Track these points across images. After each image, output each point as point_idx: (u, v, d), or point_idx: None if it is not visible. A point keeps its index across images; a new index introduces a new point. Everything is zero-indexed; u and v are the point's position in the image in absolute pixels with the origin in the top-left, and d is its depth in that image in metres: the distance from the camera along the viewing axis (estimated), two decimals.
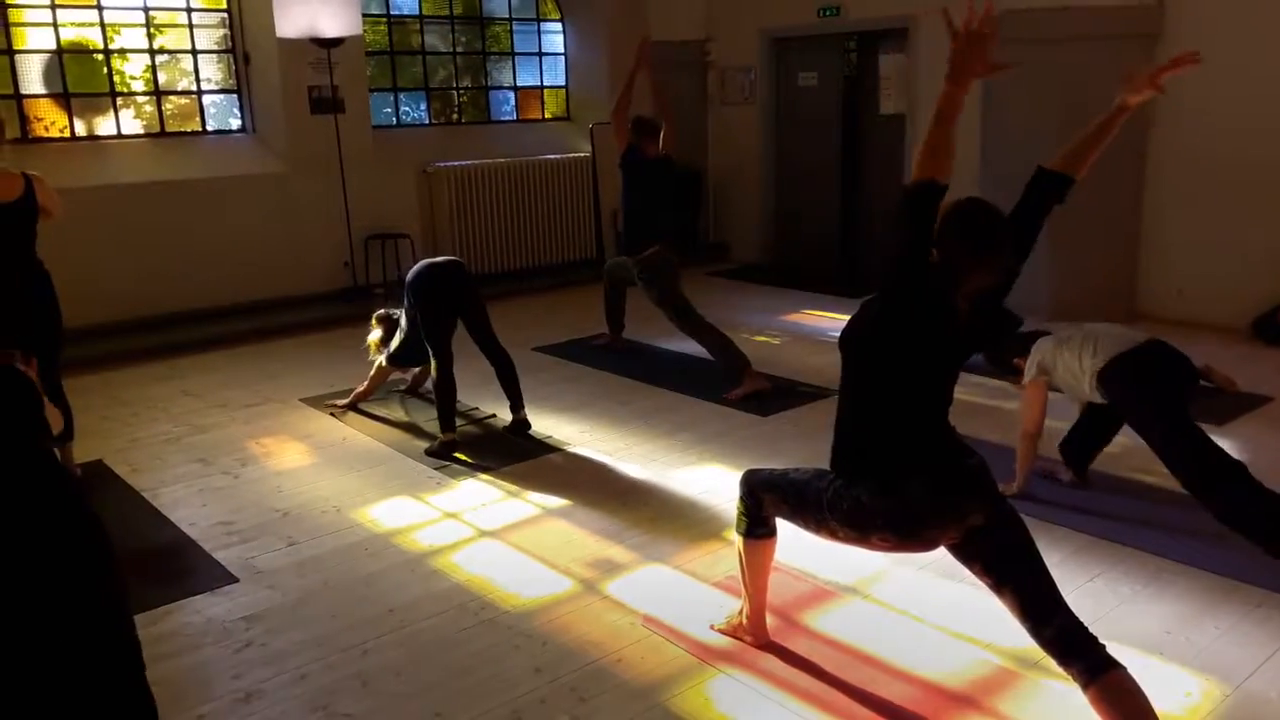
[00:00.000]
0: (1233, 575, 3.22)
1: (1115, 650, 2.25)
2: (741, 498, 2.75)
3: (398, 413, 5.15)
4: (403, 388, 5.50)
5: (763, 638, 2.87)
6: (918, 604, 3.10)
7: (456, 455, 4.45)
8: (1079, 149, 2.47)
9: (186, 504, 4.03)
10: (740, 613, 2.91)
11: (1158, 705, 2.20)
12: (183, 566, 3.50)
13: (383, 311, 5.18)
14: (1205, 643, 2.86)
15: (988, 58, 2.13)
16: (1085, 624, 2.27)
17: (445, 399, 4.57)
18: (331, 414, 5.08)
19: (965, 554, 2.39)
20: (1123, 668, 2.19)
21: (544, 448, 4.57)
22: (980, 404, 4.98)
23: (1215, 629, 2.94)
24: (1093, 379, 3.55)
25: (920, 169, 2.15)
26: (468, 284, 4.80)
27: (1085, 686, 2.19)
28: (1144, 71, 2.47)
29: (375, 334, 5.14)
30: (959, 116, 2.15)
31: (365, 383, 5.16)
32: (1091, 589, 3.18)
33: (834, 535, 2.50)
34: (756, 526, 2.73)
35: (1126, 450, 4.26)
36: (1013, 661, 2.77)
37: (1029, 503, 3.75)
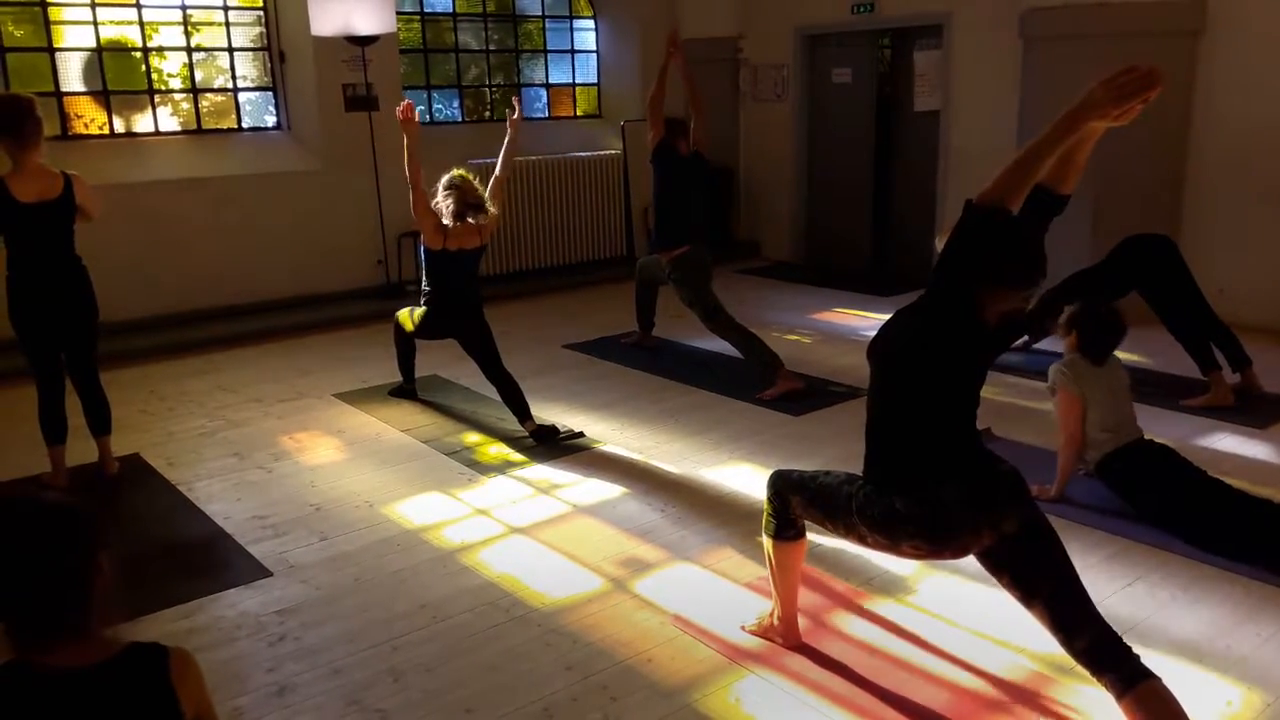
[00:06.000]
0: (1275, 581, 3.16)
1: (1153, 657, 2.22)
2: (769, 499, 2.73)
3: (430, 409, 5.17)
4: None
5: (794, 639, 2.85)
6: (951, 607, 3.07)
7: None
8: (1058, 169, 2.31)
9: (221, 498, 4.08)
10: (771, 614, 2.89)
11: (1197, 714, 2.17)
12: (217, 560, 3.54)
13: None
14: (1246, 650, 2.81)
15: (1130, 106, 2.10)
16: (1120, 633, 2.23)
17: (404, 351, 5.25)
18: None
19: (995, 563, 2.36)
20: (1157, 678, 2.16)
21: (574, 445, 4.58)
22: (1016, 405, 4.92)
23: (1257, 636, 2.88)
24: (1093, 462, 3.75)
25: (999, 190, 2.12)
26: (474, 315, 4.83)
27: (1119, 697, 2.16)
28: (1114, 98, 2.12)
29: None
30: (1056, 148, 2.12)
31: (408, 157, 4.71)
32: (1130, 593, 3.13)
33: (863, 540, 2.48)
34: (785, 529, 2.71)
35: None
36: (1047, 666, 2.73)
37: (1067, 505, 3.71)
